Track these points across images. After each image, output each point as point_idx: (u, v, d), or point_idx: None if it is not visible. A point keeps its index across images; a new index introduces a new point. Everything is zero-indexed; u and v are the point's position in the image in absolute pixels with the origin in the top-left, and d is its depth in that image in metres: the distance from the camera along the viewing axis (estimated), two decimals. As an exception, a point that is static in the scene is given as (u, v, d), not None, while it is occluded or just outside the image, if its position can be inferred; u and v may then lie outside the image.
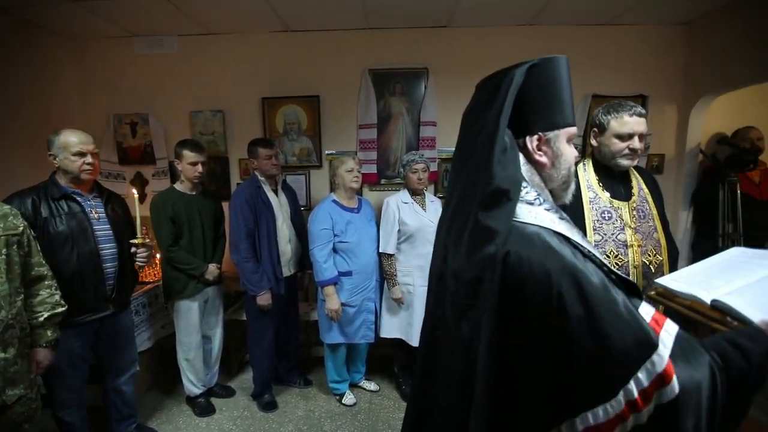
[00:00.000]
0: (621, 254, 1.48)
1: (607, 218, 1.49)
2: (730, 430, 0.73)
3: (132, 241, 1.95)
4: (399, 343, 2.55)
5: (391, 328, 2.53)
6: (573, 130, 0.86)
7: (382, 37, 3.01)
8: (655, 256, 1.51)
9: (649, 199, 1.58)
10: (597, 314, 0.69)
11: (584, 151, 2.82)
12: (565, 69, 0.84)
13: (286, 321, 2.63)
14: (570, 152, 0.87)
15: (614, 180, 1.56)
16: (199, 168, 2.33)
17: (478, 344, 0.75)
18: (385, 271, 2.47)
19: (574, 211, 1.36)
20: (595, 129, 1.55)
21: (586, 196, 1.53)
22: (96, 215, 1.92)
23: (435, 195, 2.97)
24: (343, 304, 2.38)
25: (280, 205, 2.49)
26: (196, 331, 2.44)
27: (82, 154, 1.83)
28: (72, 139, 1.82)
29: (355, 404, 2.57)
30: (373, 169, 3.11)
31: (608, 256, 1.47)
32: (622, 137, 1.47)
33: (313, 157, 3.16)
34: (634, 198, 1.55)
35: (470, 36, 2.98)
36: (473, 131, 0.84)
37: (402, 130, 3.11)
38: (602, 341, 0.68)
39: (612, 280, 0.74)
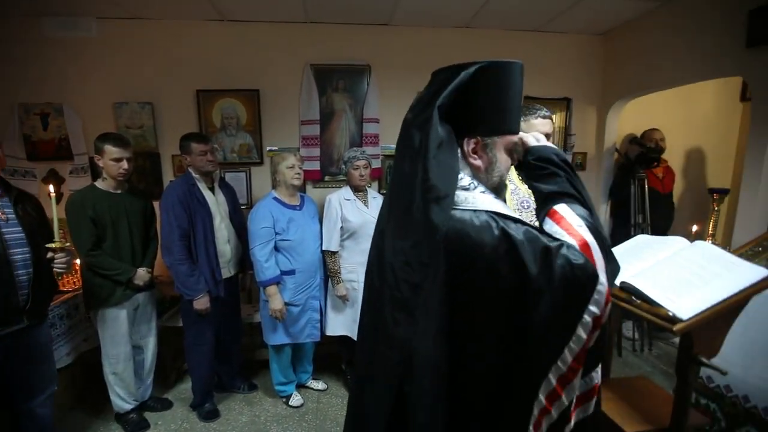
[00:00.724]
0: None
1: (525, 207, 1.62)
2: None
3: (48, 245, 1.73)
4: (345, 340, 2.55)
5: (337, 325, 2.52)
6: (513, 138, 0.86)
7: (323, 32, 2.97)
8: None
9: None
10: (541, 265, 0.73)
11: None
12: (518, 76, 0.82)
13: (227, 325, 2.52)
14: (505, 160, 0.85)
15: None
16: (124, 164, 2.14)
17: (418, 338, 0.76)
18: (328, 268, 2.46)
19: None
20: None
21: (507, 186, 1.65)
22: (3, 216, 1.69)
23: (378, 191, 2.99)
24: (286, 304, 2.33)
25: (217, 203, 2.37)
26: (125, 341, 2.25)
27: None
28: None
29: (302, 405, 2.54)
30: (316, 165, 3.07)
31: None
32: None
33: (253, 153, 3.05)
34: None
35: (411, 35, 3.04)
36: (416, 122, 0.82)
37: (345, 126, 3.10)
38: (549, 284, 0.72)
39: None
